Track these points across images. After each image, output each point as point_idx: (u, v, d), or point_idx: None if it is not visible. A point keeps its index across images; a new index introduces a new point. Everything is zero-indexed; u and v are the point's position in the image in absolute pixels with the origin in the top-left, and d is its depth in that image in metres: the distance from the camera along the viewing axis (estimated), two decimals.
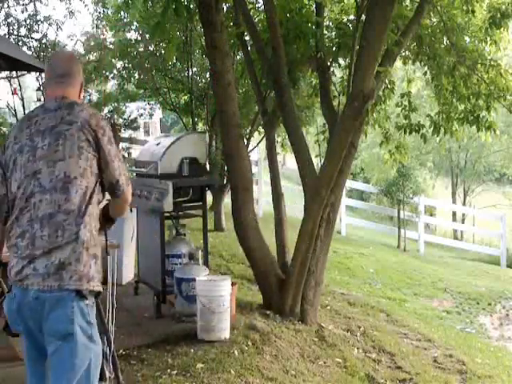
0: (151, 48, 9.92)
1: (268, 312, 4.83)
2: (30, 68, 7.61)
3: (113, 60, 10.41)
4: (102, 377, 2.53)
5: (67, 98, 2.26)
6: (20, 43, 10.08)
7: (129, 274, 5.72)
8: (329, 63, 5.46)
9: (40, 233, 2.08)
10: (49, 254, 2.06)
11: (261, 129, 8.55)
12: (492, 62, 5.74)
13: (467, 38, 6.04)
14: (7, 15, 10.15)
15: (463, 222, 19.30)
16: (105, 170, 2.21)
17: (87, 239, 2.11)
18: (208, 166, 5.70)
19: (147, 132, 23.01)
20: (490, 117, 5.92)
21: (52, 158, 2.14)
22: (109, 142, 2.22)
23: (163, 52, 9.48)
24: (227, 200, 7.86)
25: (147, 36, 9.46)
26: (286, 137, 8.26)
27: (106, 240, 2.51)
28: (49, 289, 2.03)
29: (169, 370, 3.66)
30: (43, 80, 9.73)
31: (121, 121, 10.66)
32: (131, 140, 11.11)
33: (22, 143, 2.20)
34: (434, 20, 5.81)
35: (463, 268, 11.15)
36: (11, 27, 10.10)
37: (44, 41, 10.12)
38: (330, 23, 5.80)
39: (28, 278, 2.06)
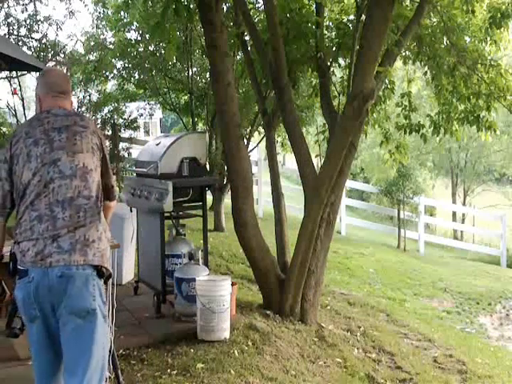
0: (151, 48, 9.92)
1: (268, 312, 4.83)
2: (29, 68, 7.61)
3: (113, 60, 10.40)
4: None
5: (67, 109, 2.48)
6: (20, 43, 10.07)
7: (129, 274, 5.72)
8: (329, 63, 5.46)
9: (62, 215, 2.21)
10: (73, 233, 2.19)
11: (261, 129, 8.55)
12: (492, 62, 5.74)
13: (467, 38, 6.03)
14: (7, 15, 10.14)
15: (463, 222, 19.32)
16: (105, 174, 2.43)
17: (104, 222, 2.32)
18: (208, 166, 5.69)
19: (147, 132, 23.00)
20: (490, 117, 5.92)
21: (71, 149, 2.31)
22: (107, 151, 2.50)
23: (163, 52, 9.48)
24: (227, 200, 7.86)
25: (147, 36, 9.46)
26: (286, 137, 8.28)
27: None
28: (75, 264, 2.14)
29: (169, 370, 3.66)
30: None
31: (121, 121, 10.65)
32: (131, 140, 11.10)
33: (36, 137, 2.31)
34: (434, 20, 5.81)
35: (463, 268, 11.15)
36: (11, 27, 10.09)
37: (44, 41, 10.11)
38: (330, 23, 5.79)
39: (52, 256, 2.14)
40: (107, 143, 2.71)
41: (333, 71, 5.85)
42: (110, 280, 2.62)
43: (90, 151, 2.35)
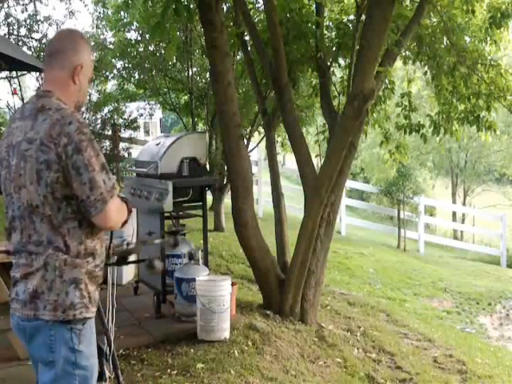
0: (151, 48, 9.93)
1: (268, 312, 4.83)
2: (29, 68, 7.61)
3: (113, 60, 10.41)
4: (102, 377, 2.53)
5: (49, 91, 2.00)
6: (20, 43, 10.08)
7: (129, 274, 5.72)
8: (329, 63, 5.46)
9: (19, 259, 1.98)
10: (26, 280, 1.95)
11: (261, 129, 8.56)
12: (492, 62, 5.74)
13: (467, 38, 6.03)
14: (7, 15, 10.16)
15: (463, 222, 19.32)
16: (72, 185, 1.89)
17: (59, 265, 1.91)
18: (208, 166, 5.70)
19: (147, 132, 23.01)
20: (490, 117, 5.92)
21: (17, 183, 1.94)
22: (75, 150, 1.86)
23: (163, 52, 9.49)
24: (227, 200, 7.86)
25: (147, 36, 9.46)
26: (286, 137, 8.29)
27: (111, 242, 2.39)
28: (26, 317, 1.94)
29: (169, 370, 3.66)
30: (43, 80, 9.75)
31: (121, 121, 10.65)
32: (131, 140, 11.10)
33: (1, 155, 2.03)
34: (434, 20, 5.81)
35: (463, 268, 11.15)
36: (11, 27, 10.11)
37: (44, 41, 10.12)
38: (330, 23, 5.79)
39: (12, 303, 1.99)
40: (80, 138, 1.88)
41: (333, 71, 5.85)
42: (110, 280, 2.61)
43: (35, 180, 1.88)
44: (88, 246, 1.97)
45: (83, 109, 9.91)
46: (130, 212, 2.12)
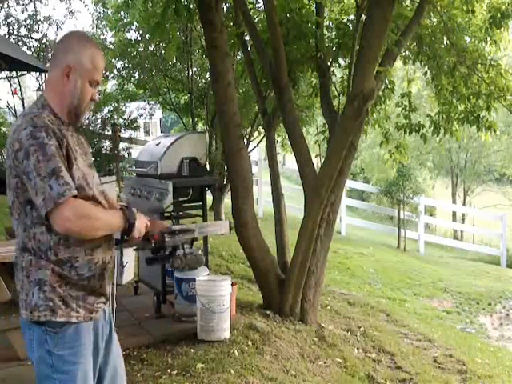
0: (151, 48, 9.94)
1: (268, 312, 4.83)
2: (29, 68, 7.61)
3: (113, 60, 10.42)
4: None
5: (42, 94, 2.04)
6: (20, 43, 10.09)
7: (129, 274, 5.72)
8: (329, 63, 5.46)
9: None
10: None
11: (261, 129, 8.56)
12: (492, 62, 5.75)
13: (467, 38, 6.04)
14: (7, 15, 10.16)
15: (463, 222, 19.32)
16: (28, 190, 1.87)
17: (26, 265, 1.93)
18: (208, 166, 5.70)
19: (147, 132, 23.02)
20: (490, 117, 5.92)
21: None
22: (25, 155, 1.83)
23: (163, 52, 9.49)
24: (227, 200, 7.86)
25: (147, 36, 9.46)
26: (286, 137, 8.29)
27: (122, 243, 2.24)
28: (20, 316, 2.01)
29: (169, 370, 3.66)
30: (43, 80, 9.73)
31: (121, 121, 10.66)
32: (131, 140, 11.11)
33: None
34: (434, 20, 5.81)
35: (463, 268, 11.15)
36: (11, 27, 10.12)
37: (44, 41, 10.13)
38: (330, 23, 5.79)
39: None
40: (29, 143, 1.83)
41: (333, 71, 5.85)
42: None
43: (10, 186, 1.94)
44: (60, 253, 1.93)
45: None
46: (127, 221, 2.01)
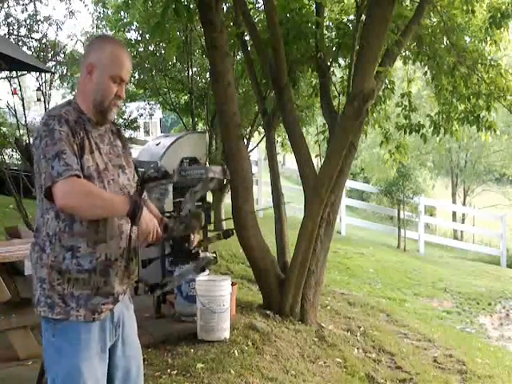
0: (151, 48, 9.93)
1: (268, 312, 4.83)
2: (30, 68, 7.60)
3: None
4: None
5: (74, 95, 2.16)
6: (20, 43, 10.08)
7: None
8: (329, 63, 5.46)
9: None
10: None
11: (261, 129, 8.55)
12: (492, 62, 5.75)
13: (467, 38, 6.04)
14: (7, 15, 10.15)
15: (463, 222, 19.31)
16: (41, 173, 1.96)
17: (33, 263, 2.01)
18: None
19: (147, 132, 23.02)
20: (490, 117, 5.92)
21: None
22: (38, 141, 1.95)
23: (163, 52, 9.48)
24: (227, 200, 7.86)
25: (147, 36, 9.46)
26: (286, 137, 8.29)
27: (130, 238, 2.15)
28: None
29: (169, 370, 3.66)
30: (43, 80, 9.73)
31: (121, 121, 10.65)
32: (131, 140, 11.09)
33: None
34: (434, 20, 5.81)
35: (463, 268, 11.15)
36: (11, 27, 10.10)
37: (44, 41, 10.11)
38: (330, 23, 5.80)
39: None
40: (40, 133, 1.90)
41: (333, 71, 5.85)
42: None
43: (35, 170, 2.02)
44: (63, 240, 1.96)
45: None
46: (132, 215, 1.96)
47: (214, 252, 2.41)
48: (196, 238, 2.24)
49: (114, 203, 1.97)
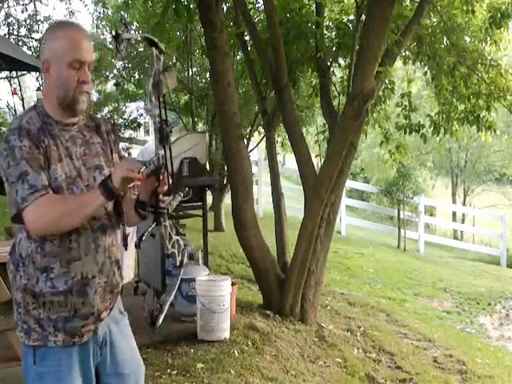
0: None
1: (268, 312, 4.83)
2: (29, 68, 7.61)
3: (113, 60, 10.42)
4: None
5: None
6: (20, 43, 10.09)
7: (129, 274, 5.72)
8: (329, 63, 5.46)
9: None
10: None
11: (261, 129, 8.55)
12: (492, 62, 5.75)
13: (467, 38, 6.04)
14: (7, 15, 10.17)
15: (463, 222, 19.30)
16: None
17: (10, 282, 1.89)
18: (208, 166, 5.70)
19: (147, 132, 22.98)
20: (490, 117, 5.93)
21: None
22: (1, 160, 1.79)
23: None
24: (227, 200, 7.86)
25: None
26: (286, 137, 8.29)
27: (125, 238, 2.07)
28: None
29: (169, 370, 3.66)
30: (43, 80, 9.74)
31: (121, 121, 10.66)
32: (131, 140, 11.10)
33: None
34: (434, 20, 5.81)
35: (463, 268, 11.14)
36: (11, 27, 10.12)
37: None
38: (330, 23, 5.80)
39: None
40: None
41: (333, 71, 5.85)
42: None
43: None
44: (37, 261, 1.82)
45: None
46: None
47: (184, 234, 2.05)
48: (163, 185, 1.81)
49: (83, 199, 1.81)
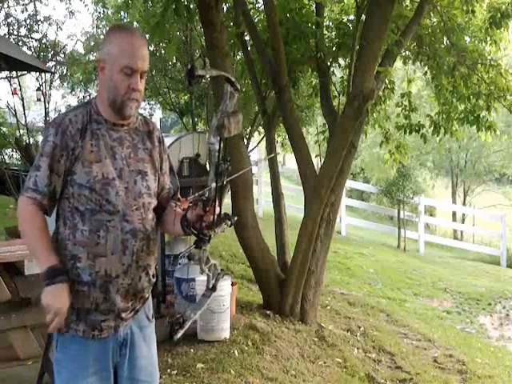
0: (151, 48, 9.92)
1: (268, 312, 4.83)
2: (29, 68, 7.61)
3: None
4: None
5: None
6: (20, 43, 10.08)
7: None
8: (329, 63, 5.46)
9: None
10: None
11: (261, 129, 8.55)
12: (492, 62, 5.75)
13: (467, 38, 6.04)
14: (7, 15, 10.15)
15: (463, 222, 19.30)
16: None
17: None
18: (208, 166, 5.68)
19: None
20: (490, 117, 5.93)
21: None
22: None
23: (163, 52, 9.48)
24: (227, 200, 7.86)
25: (147, 36, 9.45)
26: (286, 137, 8.28)
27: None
28: None
29: (169, 370, 3.66)
30: (43, 80, 9.72)
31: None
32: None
33: None
34: (434, 20, 5.81)
35: (463, 268, 11.15)
36: (11, 27, 10.11)
37: (44, 41, 10.12)
38: (330, 23, 5.80)
39: None
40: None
41: (333, 71, 5.85)
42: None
43: None
44: (68, 247, 1.88)
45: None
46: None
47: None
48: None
49: (38, 248, 1.84)
